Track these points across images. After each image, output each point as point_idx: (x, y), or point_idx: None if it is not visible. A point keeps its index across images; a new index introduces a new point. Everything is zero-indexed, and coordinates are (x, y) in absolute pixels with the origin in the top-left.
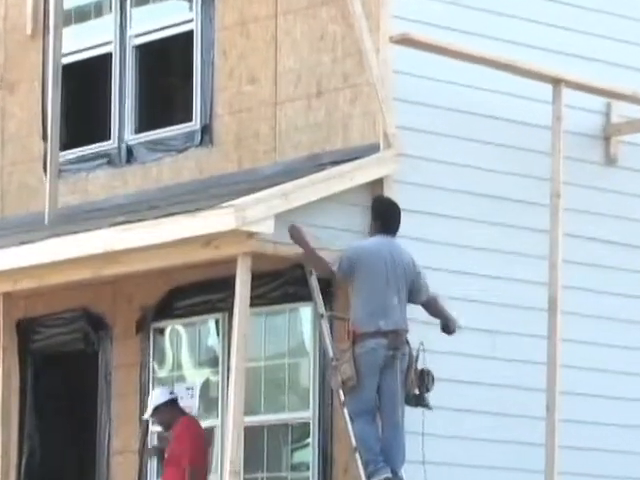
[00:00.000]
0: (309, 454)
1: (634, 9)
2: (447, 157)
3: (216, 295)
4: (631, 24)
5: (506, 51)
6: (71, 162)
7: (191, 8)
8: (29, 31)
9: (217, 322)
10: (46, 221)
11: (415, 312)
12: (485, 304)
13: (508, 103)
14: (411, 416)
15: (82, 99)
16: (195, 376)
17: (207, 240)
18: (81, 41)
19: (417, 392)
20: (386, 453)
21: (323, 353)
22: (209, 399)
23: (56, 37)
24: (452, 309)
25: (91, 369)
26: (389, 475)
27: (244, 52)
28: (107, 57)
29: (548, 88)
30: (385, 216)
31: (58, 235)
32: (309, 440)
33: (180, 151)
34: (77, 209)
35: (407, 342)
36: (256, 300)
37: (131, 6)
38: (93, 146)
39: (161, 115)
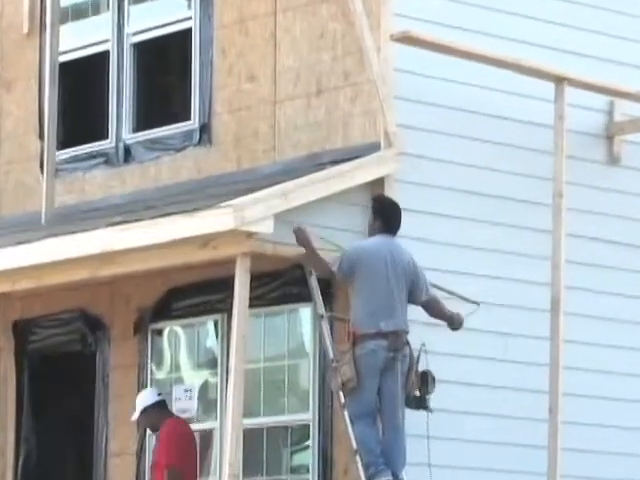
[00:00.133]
0: (309, 457)
1: (638, 7)
2: (448, 156)
3: (215, 296)
4: (635, 22)
5: (508, 49)
6: (68, 161)
7: (189, 6)
8: (26, 29)
9: (216, 323)
10: (43, 221)
11: (416, 313)
12: (486, 305)
13: (510, 102)
14: (412, 418)
15: (79, 97)
16: (193, 378)
17: (205, 240)
18: (78, 39)
19: (418, 394)
20: (387, 455)
21: (323, 354)
22: (208, 401)
23: (53, 35)
24: (451, 306)
25: (88, 370)
26: (390, 478)
27: (243, 50)
28: (104, 55)
29: (550, 86)
30: (385, 216)
31: (55, 235)
32: (309, 442)
33: (178, 150)
34: (74, 209)
35: (408, 343)
36: (255, 301)
37: (129, 3)
38: (90, 145)
39: (159, 114)
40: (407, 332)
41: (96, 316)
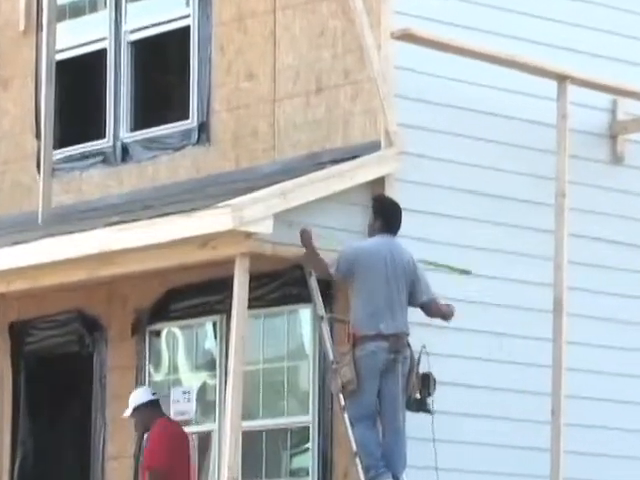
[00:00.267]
0: (309, 459)
1: None
2: (450, 155)
3: (213, 297)
4: (638, 20)
5: (510, 47)
6: (65, 160)
7: (187, 3)
8: (22, 27)
9: (214, 324)
10: (39, 221)
11: (416, 314)
12: (488, 305)
13: (512, 100)
14: (413, 421)
15: (76, 96)
16: (192, 379)
17: (204, 241)
18: (75, 37)
19: (419, 396)
20: (387, 458)
21: (323, 356)
22: (206, 403)
23: (49, 33)
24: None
25: (86, 372)
26: None
27: (242, 48)
28: (102, 53)
29: (553, 85)
30: (386, 215)
31: (52, 235)
32: (309, 445)
33: (176, 149)
34: (71, 209)
35: (408, 345)
36: (254, 302)
37: (126, 1)
38: (88, 144)
39: (157, 113)
40: (408, 334)
41: (93, 317)
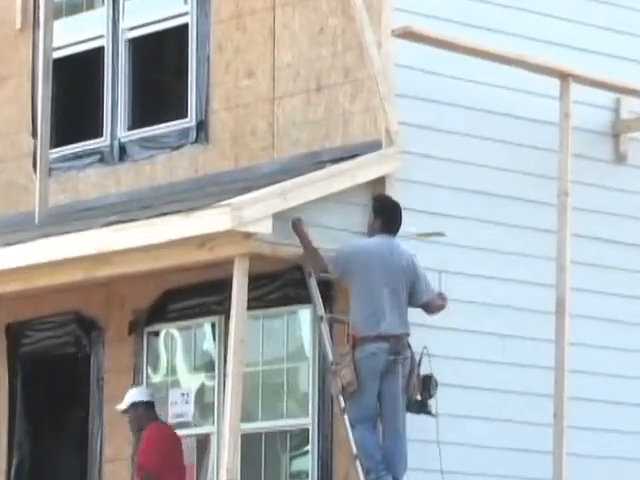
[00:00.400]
0: (308, 462)
1: None
2: (451, 155)
3: (212, 298)
4: None
5: (512, 45)
6: (62, 160)
7: (186, 1)
8: (18, 25)
9: (213, 325)
10: (36, 221)
11: (416, 315)
12: (489, 306)
13: (514, 99)
14: (414, 423)
15: (73, 94)
16: (190, 381)
17: (203, 241)
18: (72, 34)
19: (419, 398)
20: (387, 461)
21: (323, 357)
22: (205, 405)
23: (46, 31)
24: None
25: (83, 374)
26: None
27: (240, 46)
28: (99, 51)
29: (555, 83)
30: (386, 215)
31: (48, 235)
32: (308, 447)
33: (174, 148)
34: (68, 208)
35: (409, 346)
36: (253, 303)
37: None
38: (84, 143)
39: (155, 111)
40: (408, 334)
41: (91, 318)
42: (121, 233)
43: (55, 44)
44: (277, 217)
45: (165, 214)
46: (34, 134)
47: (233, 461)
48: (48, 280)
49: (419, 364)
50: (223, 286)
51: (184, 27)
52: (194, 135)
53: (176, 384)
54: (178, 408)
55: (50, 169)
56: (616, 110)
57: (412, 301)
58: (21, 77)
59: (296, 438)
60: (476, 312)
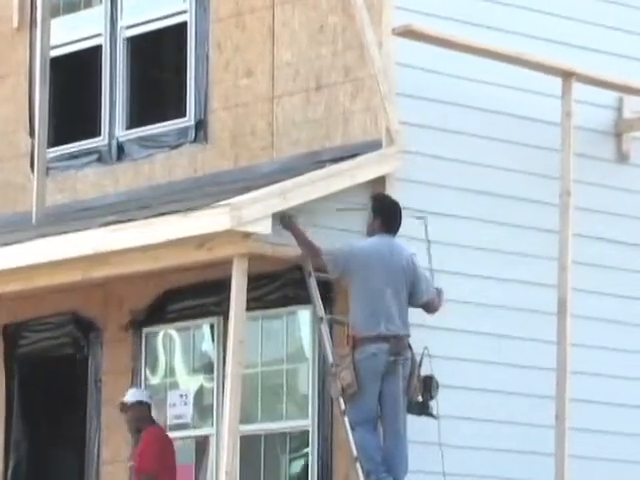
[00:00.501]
0: (308, 464)
1: None
2: (452, 154)
3: (211, 298)
4: None
5: (514, 43)
6: (59, 159)
7: None
8: (16, 23)
9: (212, 326)
10: (33, 221)
11: (417, 315)
12: (490, 307)
13: (516, 98)
14: (414, 424)
15: (71, 93)
16: (189, 382)
17: (201, 241)
18: (70, 33)
19: (420, 399)
20: (388, 463)
21: (323, 359)
22: (203, 407)
23: (44, 30)
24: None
25: (80, 375)
26: None
27: (240, 44)
28: (97, 50)
29: (558, 82)
30: (385, 215)
31: (46, 235)
32: (308, 449)
33: (173, 148)
34: (66, 208)
35: (409, 347)
36: (253, 303)
37: None
38: (82, 142)
39: (153, 110)
40: (408, 335)
41: (89, 319)
42: (119, 233)
43: (53, 43)
44: (276, 217)
45: (164, 214)
46: (31, 133)
47: (232, 463)
48: (46, 280)
49: (420, 365)
50: (222, 286)
51: (183, 25)
52: (193, 134)
53: (175, 385)
54: (177, 410)
55: (48, 168)
56: (619, 109)
57: (413, 301)
58: (18, 76)
59: (296, 440)
60: (476, 313)
